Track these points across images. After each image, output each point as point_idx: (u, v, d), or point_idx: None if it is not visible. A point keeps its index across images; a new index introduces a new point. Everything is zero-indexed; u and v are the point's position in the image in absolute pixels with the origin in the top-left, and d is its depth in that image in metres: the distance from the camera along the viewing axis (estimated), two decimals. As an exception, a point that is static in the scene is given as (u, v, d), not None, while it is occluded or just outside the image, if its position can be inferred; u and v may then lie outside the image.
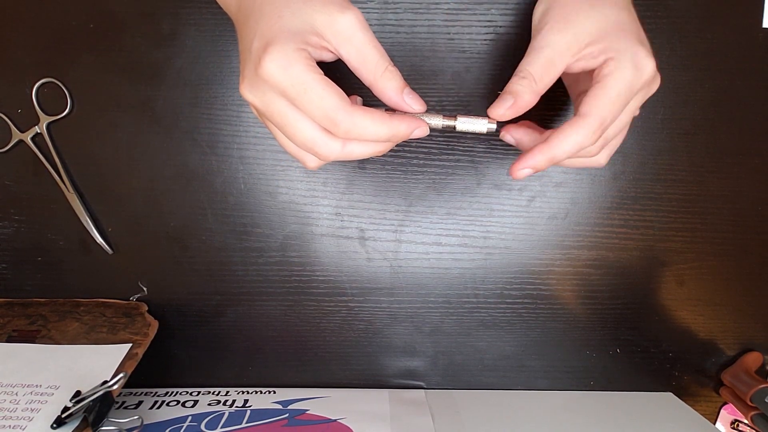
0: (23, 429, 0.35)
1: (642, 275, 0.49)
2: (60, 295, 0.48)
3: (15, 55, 0.45)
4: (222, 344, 0.49)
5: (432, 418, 0.45)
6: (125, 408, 0.45)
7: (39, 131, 0.45)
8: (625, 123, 0.33)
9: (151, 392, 0.48)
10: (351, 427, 0.43)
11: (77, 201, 0.46)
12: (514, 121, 0.34)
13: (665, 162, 0.47)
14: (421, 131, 0.32)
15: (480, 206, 0.48)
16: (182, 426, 0.42)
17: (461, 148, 0.46)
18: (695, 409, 0.48)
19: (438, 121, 0.33)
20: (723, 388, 0.51)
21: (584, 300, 0.49)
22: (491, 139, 0.46)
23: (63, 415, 0.36)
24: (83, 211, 0.46)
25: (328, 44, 0.30)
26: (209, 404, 0.46)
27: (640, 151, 0.47)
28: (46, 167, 0.46)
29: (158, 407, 0.45)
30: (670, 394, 0.51)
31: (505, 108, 0.32)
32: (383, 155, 0.46)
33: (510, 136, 0.36)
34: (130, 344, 0.43)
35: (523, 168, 0.32)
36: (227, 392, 0.48)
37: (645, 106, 0.46)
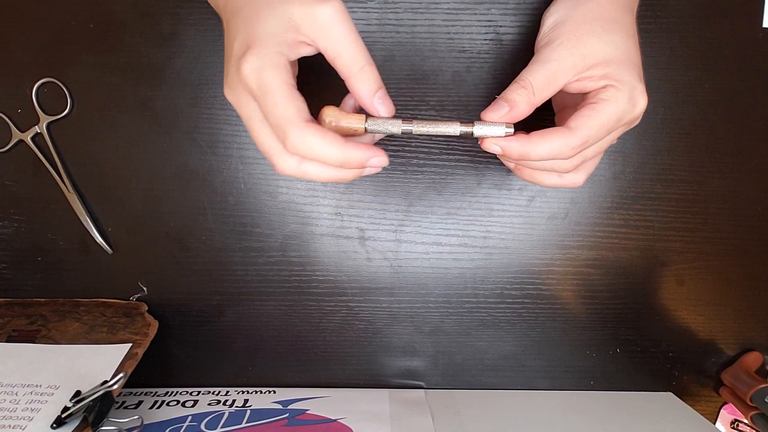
0: (23, 429, 0.35)
1: (642, 275, 0.49)
2: (60, 295, 0.48)
3: (15, 55, 0.45)
4: (222, 344, 0.49)
5: (432, 418, 0.45)
6: (125, 408, 0.45)
7: (39, 131, 0.45)
8: (602, 149, 0.33)
9: (151, 392, 0.48)
10: (351, 427, 0.43)
11: (77, 201, 0.46)
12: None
13: (665, 162, 0.47)
14: (379, 161, 0.31)
15: (480, 206, 0.48)
16: (182, 426, 0.42)
17: (461, 148, 0.46)
18: (695, 409, 0.48)
19: (456, 128, 0.32)
20: (723, 388, 0.51)
21: (584, 300, 0.49)
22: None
23: (63, 415, 0.36)
24: (83, 211, 0.46)
25: (305, 38, 0.30)
26: (209, 404, 0.46)
27: (640, 151, 0.47)
28: (46, 167, 0.46)
29: (158, 407, 0.45)
30: (670, 394, 0.51)
31: (499, 115, 0.32)
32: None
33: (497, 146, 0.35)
34: (130, 344, 0.43)
35: (495, 145, 0.32)
36: (227, 392, 0.48)
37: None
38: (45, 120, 0.45)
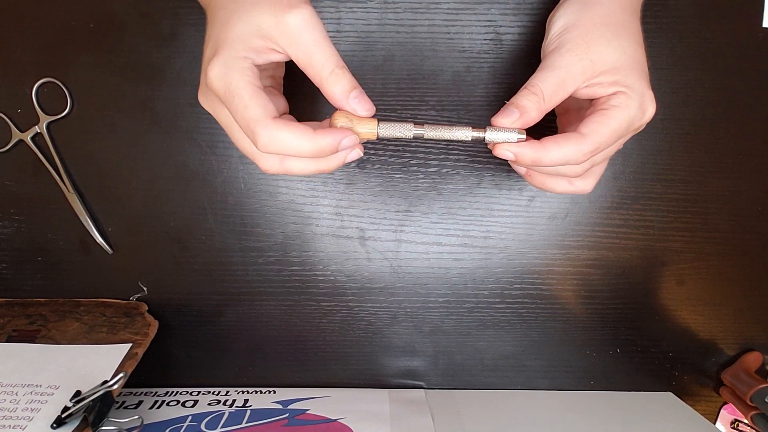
0: (23, 429, 0.35)
1: (642, 275, 0.49)
2: (60, 295, 0.48)
3: (15, 55, 0.45)
4: (222, 344, 0.49)
5: (432, 418, 0.45)
6: (125, 408, 0.45)
7: (39, 131, 0.45)
8: (610, 155, 0.34)
9: (151, 392, 0.48)
10: (351, 427, 0.43)
11: (77, 201, 0.46)
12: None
13: (665, 162, 0.47)
14: (350, 140, 0.30)
15: (480, 206, 0.48)
16: (182, 426, 0.42)
17: (461, 149, 0.46)
18: (695, 409, 0.48)
19: (467, 134, 0.32)
20: (723, 388, 0.51)
21: (584, 300, 0.49)
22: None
23: (63, 415, 0.36)
24: (83, 211, 0.46)
25: (275, 46, 0.30)
26: (209, 404, 0.46)
27: (640, 151, 0.47)
28: (46, 167, 0.46)
29: (158, 407, 0.45)
30: (670, 394, 0.51)
31: (510, 121, 0.31)
32: (383, 155, 0.46)
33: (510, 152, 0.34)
34: (130, 344, 0.43)
35: (508, 150, 0.31)
36: (227, 392, 0.48)
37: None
38: (45, 120, 0.45)
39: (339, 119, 0.31)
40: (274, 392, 0.48)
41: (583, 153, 0.31)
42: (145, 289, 0.48)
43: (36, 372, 0.40)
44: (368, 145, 0.46)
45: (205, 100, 0.31)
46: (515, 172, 0.37)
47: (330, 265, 0.48)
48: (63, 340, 0.44)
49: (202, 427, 0.42)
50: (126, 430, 0.41)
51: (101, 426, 0.36)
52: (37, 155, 0.46)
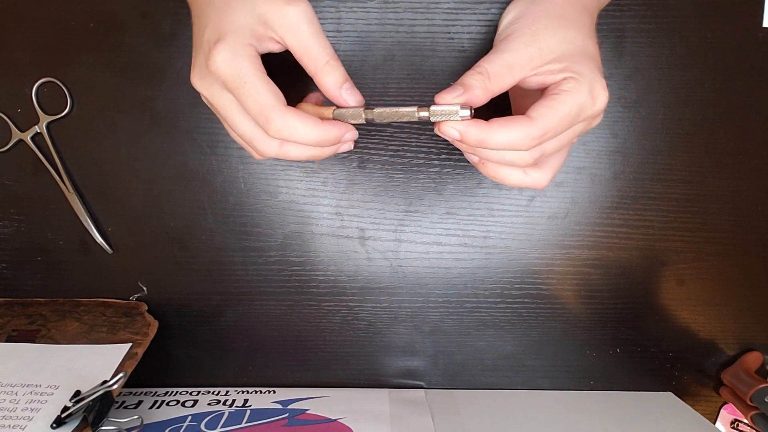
0: (23, 429, 0.35)
1: (642, 275, 0.49)
2: (60, 295, 0.48)
3: (15, 55, 0.45)
4: (222, 344, 0.49)
5: (432, 418, 0.45)
6: (125, 408, 0.45)
7: (39, 131, 0.45)
8: (562, 144, 0.33)
9: (151, 392, 0.48)
10: (351, 427, 0.43)
11: (77, 201, 0.46)
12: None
13: (665, 162, 0.47)
14: (353, 135, 0.33)
15: (480, 206, 0.48)
16: (182, 426, 0.42)
17: (461, 148, 0.46)
18: (695, 409, 0.48)
19: (414, 112, 0.32)
20: (723, 388, 0.51)
21: (584, 300, 0.49)
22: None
23: (63, 415, 0.36)
24: (83, 211, 0.46)
25: (274, 34, 0.31)
26: (209, 404, 0.46)
27: (640, 151, 0.47)
28: (46, 167, 0.46)
29: (158, 407, 0.45)
30: (670, 394, 0.51)
31: (452, 97, 0.31)
32: (383, 155, 0.46)
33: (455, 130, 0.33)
34: (130, 344, 0.43)
35: (452, 128, 0.31)
36: (227, 392, 0.48)
37: (645, 106, 0.47)
38: (45, 120, 0.45)
39: (305, 108, 0.34)
40: (274, 392, 0.48)
41: (531, 137, 0.30)
42: (145, 289, 0.48)
43: (36, 372, 0.40)
44: (368, 145, 0.46)
45: (201, 83, 0.32)
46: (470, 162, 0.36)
47: (330, 265, 0.48)
48: (63, 340, 0.44)
49: (202, 427, 0.42)
50: (126, 430, 0.41)
51: (101, 426, 0.36)
52: (37, 155, 0.46)
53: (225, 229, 0.47)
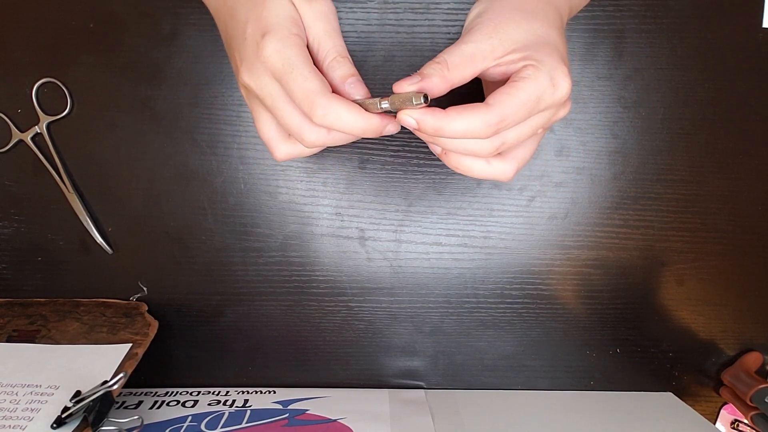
0: (23, 429, 0.35)
1: (642, 275, 0.49)
2: (60, 295, 0.48)
3: (15, 55, 0.45)
4: (222, 344, 0.49)
5: (432, 418, 0.45)
6: (125, 408, 0.45)
7: (39, 131, 0.45)
8: (525, 134, 0.33)
9: (151, 392, 0.48)
10: (351, 427, 0.43)
11: (77, 201, 0.46)
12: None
13: (665, 162, 0.47)
14: (394, 128, 0.33)
15: (480, 206, 0.48)
16: (182, 426, 0.42)
17: (461, 148, 0.46)
18: (695, 409, 0.48)
19: (377, 104, 0.32)
20: (723, 388, 0.51)
21: (584, 300, 0.49)
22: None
23: (63, 415, 0.36)
24: (83, 211, 0.46)
25: (302, 25, 0.32)
26: (209, 404, 0.46)
27: (640, 151, 0.47)
28: (46, 167, 0.46)
29: (158, 407, 0.45)
30: (670, 394, 0.51)
31: (408, 84, 0.31)
32: (383, 155, 0.46)
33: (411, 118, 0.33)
34: (130, 344, 0.43)
35: (409, 117, 0.31)
36: (227, 392, 0.48)
37: (645, 106, 0.47)
38: (45, 120, 0.45)
39: None
40: (274, 392, 0.48)
41: (488, 124, 0.30)
42: (145, 289, 0.48)
43: (36, 372, 0.40)
44: (368, 145, 0.46)
45: (250, 76, 0.32)
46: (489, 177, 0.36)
47: (330, 265, 0.48)
48: (63, 340, 0.44)
49: (202, 427, 0.42)
50: (126, 430, 0.41)
51: (101, 426, 0.36)
52: (37, 155, 0.46)
53: (225, 229, 0.47)
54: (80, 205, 0.46)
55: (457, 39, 0.34)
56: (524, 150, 0.34)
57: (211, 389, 0.49)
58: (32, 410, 0.37)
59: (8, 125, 0.45)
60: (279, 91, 0.31)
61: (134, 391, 0.48)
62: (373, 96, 0.33)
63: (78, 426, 0.36)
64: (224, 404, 0.46)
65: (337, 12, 0.44)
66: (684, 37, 0.45)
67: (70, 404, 0.36)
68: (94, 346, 0.43)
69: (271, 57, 0.30)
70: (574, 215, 0.48)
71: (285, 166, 0.46)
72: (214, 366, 0.50)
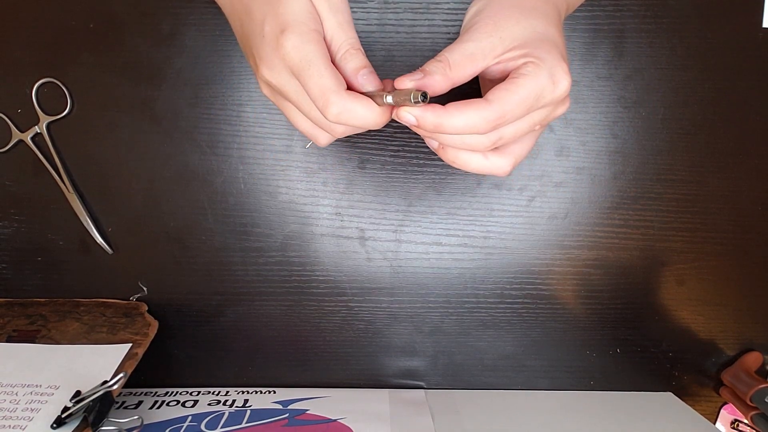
0: (23, 429, 0.35)
1: (642, 275, 0.49)
2: (60, 295, 0.48)
3: (15, 55, 0.45)
4: (222, 344, 0.49)
5: (432, 418, 0.45)
6: (125, 408, 0.45)
7: (39, 131, 0.45)
8: (523, 130, 0.33)
9: (151, 392, 0.48)
10: (351, 427, 0.43)
11: (77, 201, 0.46)
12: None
13: (665, 162, 0.47)
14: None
15: (480, 206, 0.48)
16: (182, 426, 0.42)
17: (461, 148, 0.46)
18: (695, 409, 0.48)
19: (382, 96, 0.32)
20: (723, 388, 0.51)
21: (584, 300, 0.49)
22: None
23: (63, 415, 0.36)
24: (83, 211, 0.46)
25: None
26: (209, 404, 0.46)
27: (640, 151, 0.47)
28: (46, 167, 0.46)
29: (158, 407, 0.45)
30: (670, 394, 0.51)
31: (410, 79, 0.31)
32: (383, 155, 0.46)
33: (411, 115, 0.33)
34: (130, 344, 0.43)
35: (409, 113, 0.31)
36: (227, 392, 0.48)
37: (645, 106, 0.47)
38: (45, 120, 0.45)
39: None
40: (274, 392, 0.48)
41: (488, 120, 0.30)
42: (145, 289, 0.48)
43: (36, 372, 0.40)
44: (368, 145, 0.46)
45: (271, 73, 0.32)
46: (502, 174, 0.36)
47: (330, 265, 0.48)
48: (63, 340, 0.44)
49: (202, 427, 0.42)
50: (126, 430, 0.41)
51: (101, 426, 0.36)
52: (37, 155, 0.46)
53: (225, 229, 0.47)
54: (80, 205, 0.46)
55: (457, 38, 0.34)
56: (521, 146, 0.34)
57: (211, 389, 0.49)
58: (32, 410, 0.37)
59: (8, 125, 0.45)
60: (298, 88, 0.32)
61: (134, 391, 0.48)
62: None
63: (78, 426, 0.36)
64: (224, 404, 0.46)
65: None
66: (684, 36, 0.45)
67: (70, 404, 0.36)
68: (94, 346, 0.43)
69: (290, 53, 0.30)
70: (574, 215, 0.48)
71: (285, 165, 0.46)
72: (214, 366, 0.50)
